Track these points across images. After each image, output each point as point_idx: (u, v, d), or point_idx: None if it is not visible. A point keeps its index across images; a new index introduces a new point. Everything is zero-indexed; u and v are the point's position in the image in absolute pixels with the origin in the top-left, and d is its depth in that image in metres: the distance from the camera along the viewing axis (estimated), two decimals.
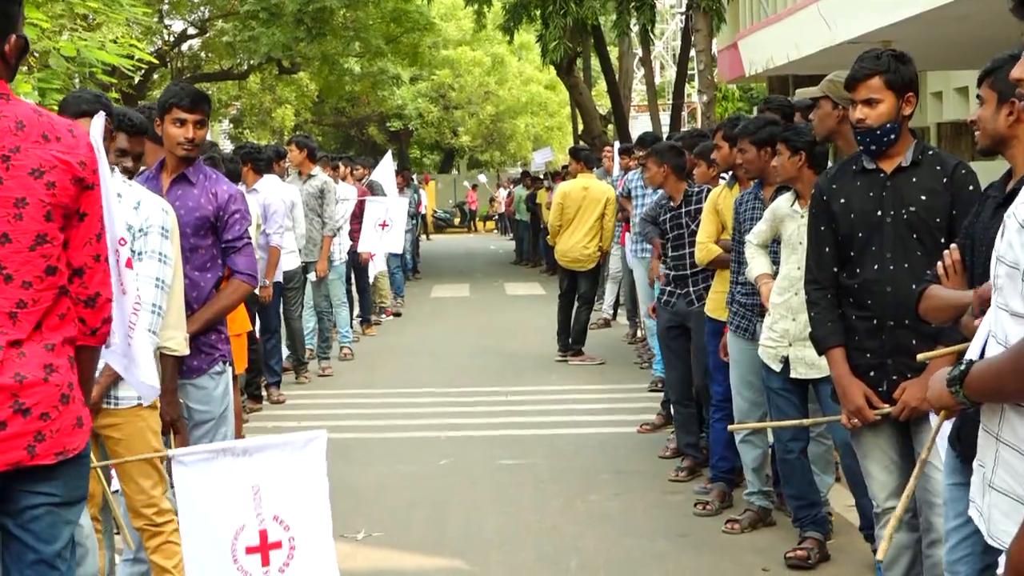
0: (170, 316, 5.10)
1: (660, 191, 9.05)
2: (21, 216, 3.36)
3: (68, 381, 3.46)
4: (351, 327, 14.43)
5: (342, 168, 15.48)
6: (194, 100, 5.60)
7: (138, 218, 4.82)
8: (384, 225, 14.98)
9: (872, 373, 4.89)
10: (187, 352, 5.21)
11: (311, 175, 12.56)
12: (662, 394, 9.99)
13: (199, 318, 5.43)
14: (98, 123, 4.14)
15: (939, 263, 4.02)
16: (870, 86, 4.80)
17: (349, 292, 14.80)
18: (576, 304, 13.41)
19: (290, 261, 11.42)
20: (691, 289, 8.16)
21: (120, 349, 4.23)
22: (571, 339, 13.53)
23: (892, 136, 4.82)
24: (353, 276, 15.62)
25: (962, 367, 3.15)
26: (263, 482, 4.43)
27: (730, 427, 6.77)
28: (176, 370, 5.21)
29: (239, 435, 7.04)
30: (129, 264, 4.31)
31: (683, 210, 8.29)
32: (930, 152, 4.93)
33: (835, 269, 4.99)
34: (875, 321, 4.85)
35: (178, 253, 5.16)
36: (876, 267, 4.86)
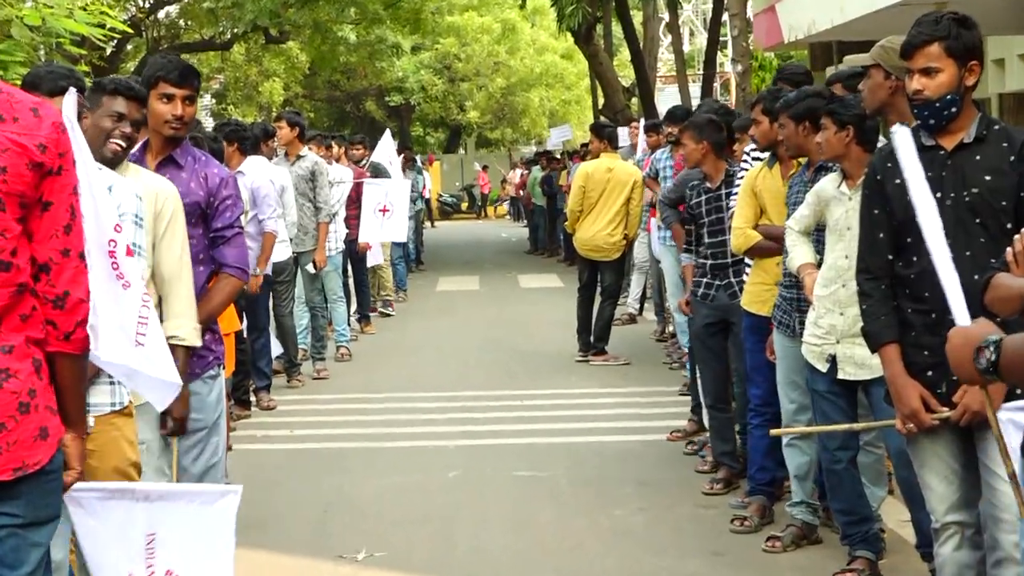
0: (179, 304, 5.19)
1: (683, 170, 9.06)
2: None
3: (28, 388, 3.39)
4: (348, 324, 14.44)
5: (335, 148, 15.47)
6: (183, 73, 5.62)
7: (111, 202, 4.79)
8: (385, 211, 14.96)
9: (930, 373, 4.86)
10: (199, 343, 5.26)
11: (300, 156, 12.55)
12: (690, 397, 9.99)
13: None
14: (70, 101, 4.12)
15: (1008, 249, 3.99)
16: (928, 53, 4.77)
17: (346, 285, 14.81)
18: (599, 298, 13.40)
19: (280, 252, 11.37)
20: (733, 280, 8.11)
21: (121, 354, 4.17)
22: (593, 337, 13.51)
23: (953, 109, 4.79)
24: (350, 268, 15.64)
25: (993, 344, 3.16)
26: (160, 532, 4.36)
27: (772, 431, 6.74)
28: (187, 362, 5.25)
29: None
30: (129, 252, 4.27)
31: (723, 191, 8.24)
32: (996, 127, 4.89)
33: (889, 257, 4.96)
34: (933, 315, 4.80)
35: (185, 237, 5.23)
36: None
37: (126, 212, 4.79)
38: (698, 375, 9.05)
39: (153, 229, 5.20)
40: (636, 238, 13.81)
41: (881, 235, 4.97)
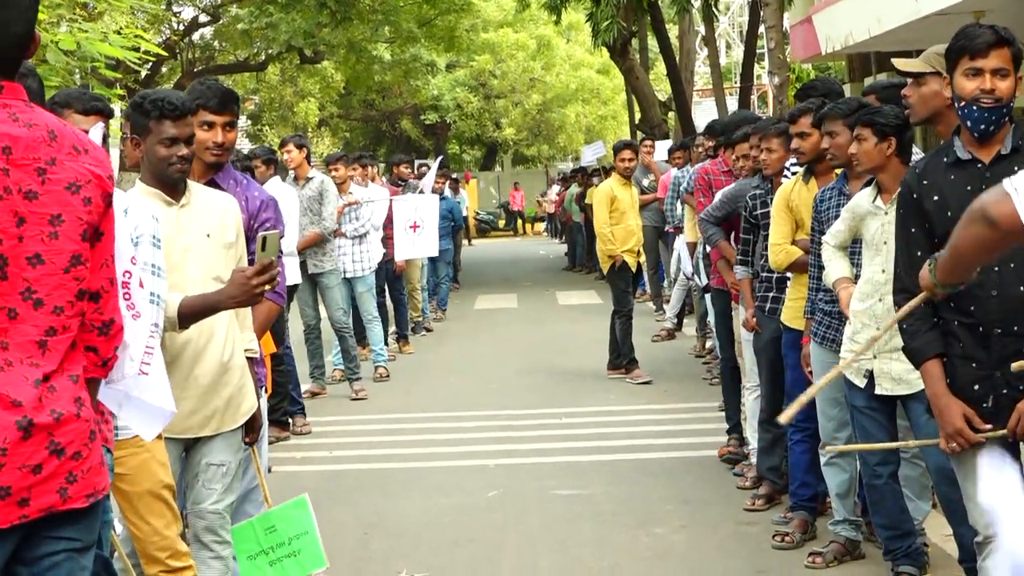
0: (248, 318, 5.43)
1: (726, 186, 9.01)
2: (56, 235, 3.33)
3: (94, 416, 3.46)
4: (386, 343, 14.46)
5: (370, 168, 15.56)
6: (222, 101, 5.67)
7: (127, 226, 4.75)
8: (415, 227, 15.06)
9: (976, 387, 4.83)
10: (259, 355, 5.43)
11: (309, 178, 12.57)
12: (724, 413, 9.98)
13: None
14: (98, 131, 4.18)
15: None
16: (1003, 54, 4.74)
17: (383, 305, 14.85)
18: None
19: (292, 274, 11.23)
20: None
21: (125, 383, 4.23)
22: (615, 355, 13.66)
23: (1007, 117, 4.80)
24: (387, 288, 15.72)
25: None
26: None
27: (826, 448, 6.69)
28: (255, 374, 5.47)
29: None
30: (141, 284, 4.34)
31: None
32: None
33: None
34: (980, 328, 4.79)
35: (245, 250, 5.41)
36: (978, 269, 4.81)
37: (143, 234, 4.78)
38: (744, 390, 8.99)
39: (236, 245, 5.35)
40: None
41: (919, 253, 4.88)
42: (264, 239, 4.80)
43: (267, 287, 4.86)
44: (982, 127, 4.80)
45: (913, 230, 4.96)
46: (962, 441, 4.80)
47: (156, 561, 4.96)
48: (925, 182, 4.92)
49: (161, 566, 4.97)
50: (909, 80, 5.54)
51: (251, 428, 5.44)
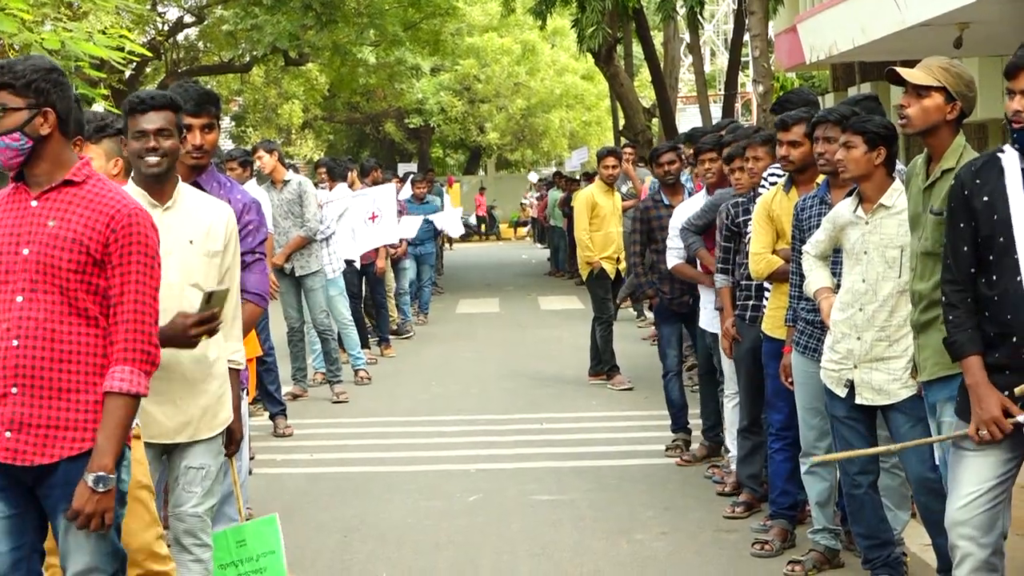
0: (237, 328, 5.41)
1: (697, 195, 9.08)
2: None
3: None
4: (367, 347, 14.46)
5: (351, 174, 15.66)
6: (199, 103, 5.67)
7: None
8: (374, 217, 15.18)
9: (1005, 394, 4.90)
10: (244, 367, 5.41)
11: (286, 180, 12.59)
12: (701, 421, 10.05)
13: None
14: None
15: None
16: None
17: (357, 309, 14.86)
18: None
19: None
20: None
21: None
22: (596, 361, 13.72)
23: None
24: (368, 291, 15.76)
25: None
26: None
27: (811, 459, 6.70)
28: (238, 385, 5.46)
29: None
30: None
31: None
32: None
33: (972, 271, 4.99)
34: (1015, 339, 4.86)
35: (237, 261, 5.38)
36: (1018, 278, 4.84)
37: None
38: (724, 398, 9.04)
39: (223, 255, 5.31)
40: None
41: (965, 248, 4.99)
42: (210, 294, 4.84)
43: (204, 337, 4.90)
44: (1016, 147, 4.88)
45: (961, 225, 5.01)
46: (995, 430, 4.87)
47: (134, 563, 4.91)
48: (978, 181, 4.97)
49: (139, 568, 4.95)
50: (905, 90, 5.54)
51: (231, 440, 5.44)
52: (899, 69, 5.48)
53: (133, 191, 5.17)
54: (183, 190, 5.32)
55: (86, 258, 4.28)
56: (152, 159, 5.13)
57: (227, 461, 5.55)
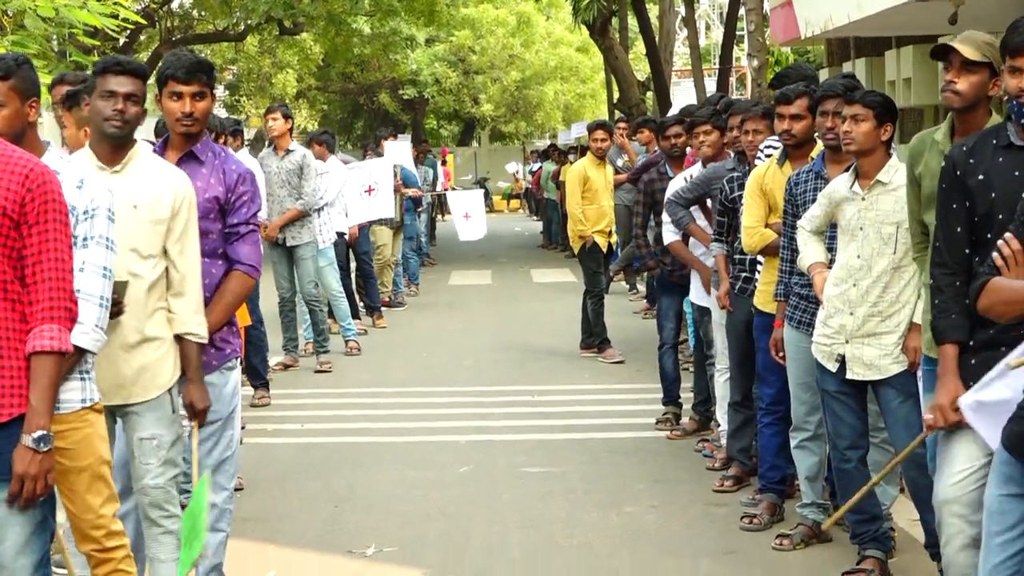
0: (195, 299, 5.33)
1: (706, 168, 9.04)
2: None
3: None
4: (358, 317, 14.45)
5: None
6: (189, 71, 5.63)
7: (82, 199, 4.70)
8: (371, 190, 15.18)
9: (1004, 366, 4.87)
10: (206, 340, 5.38)
11: (289, 150, 12.57)
12: (693, 394, 10.06)
13: (208, 320, 5.51)
14: None
15: (995, 253, 4.05)
16: None
17: (347, 281, 14.85)
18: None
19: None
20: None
21: None
22: (587, 334, 13.72)
23: None
24: (356, 261, 15.75)
25: None
26: None
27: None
28: (200, 357, 5.38)
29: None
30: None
31: None
32: None
33: (967, 252, 4.97)
34: (1003, 348, 4.80)
35: (195, 232, 5.32)
36: None
37: (99, 207, 4.73)
38: (715, 372, 9.03)
39: (169, 224, 5.26)
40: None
41: (959, 229, 4.96)
42: (114, 284, 4.81)
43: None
44: (1022, 122, 4.82)
45: (954, 206, 4.99)
46: (939, 417, 4.91)
47: (90, 539, 4.84)
48: (971, 160, 4.93)
49: (94, 544, 4.85)
50: (948, 66, 5.36)
51: (194, 412, 5.39)
52: (956, 44, 5.33)
53: (84, 153, 5.22)
54: (138, 156, 5.30)
55: (3, 219, 4.18)
56: (117, 121, 5.13)
57: (187, 430, 5.48)
